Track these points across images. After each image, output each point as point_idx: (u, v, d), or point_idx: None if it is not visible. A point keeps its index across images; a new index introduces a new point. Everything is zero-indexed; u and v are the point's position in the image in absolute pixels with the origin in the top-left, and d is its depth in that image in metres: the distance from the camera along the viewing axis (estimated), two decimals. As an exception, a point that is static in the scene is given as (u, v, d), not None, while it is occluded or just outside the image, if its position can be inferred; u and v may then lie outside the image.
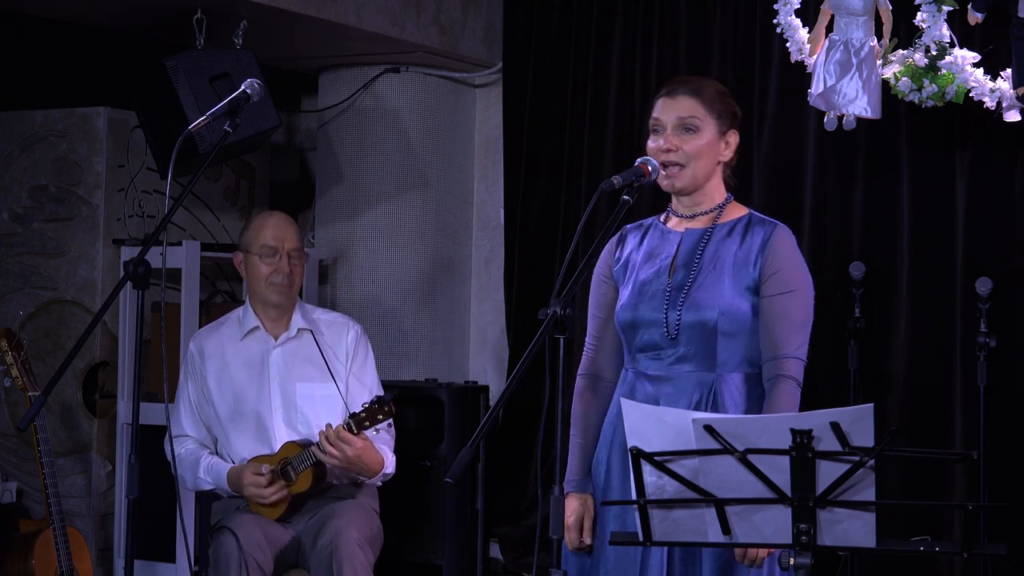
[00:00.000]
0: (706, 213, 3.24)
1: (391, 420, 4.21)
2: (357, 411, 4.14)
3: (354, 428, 4.10)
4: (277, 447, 4.29)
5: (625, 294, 3.23)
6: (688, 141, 3.17)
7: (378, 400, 4.13)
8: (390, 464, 4.33)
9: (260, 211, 4.65)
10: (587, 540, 3.20)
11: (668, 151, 3.16)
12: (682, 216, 3.26)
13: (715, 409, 3.09)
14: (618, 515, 3.15)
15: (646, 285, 3.20)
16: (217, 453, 4.41)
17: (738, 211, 3.26)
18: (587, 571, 3.21)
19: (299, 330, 4.42)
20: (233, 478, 4.26)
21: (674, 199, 3.27)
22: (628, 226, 3.34)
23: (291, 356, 4.40)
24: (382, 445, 4.29)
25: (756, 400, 3.13)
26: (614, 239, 3.33)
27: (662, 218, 3.31)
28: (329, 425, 4.12)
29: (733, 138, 3.24)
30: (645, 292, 3.19)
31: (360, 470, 4.21)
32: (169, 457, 4.00)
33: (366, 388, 4.41)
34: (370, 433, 4.18)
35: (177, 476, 4.44)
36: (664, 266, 3.21)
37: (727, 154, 3.24)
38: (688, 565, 3.08)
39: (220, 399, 4.38)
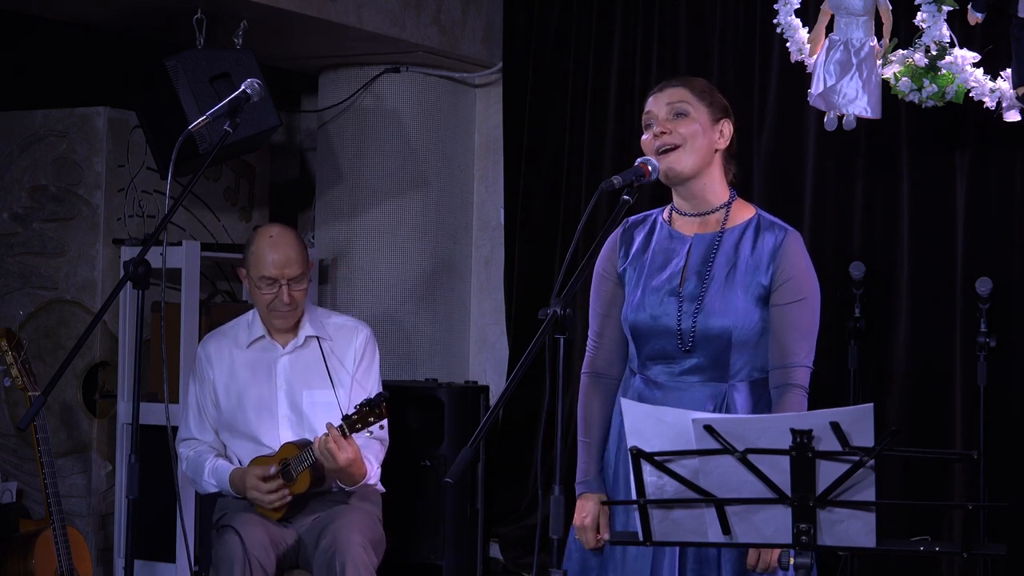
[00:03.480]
0: (712, 212, 3.20)
1: (384, 422, 4.14)
2: (350, 413, 4.09)
3: (347, 431, 4.07)
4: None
5: (635, 297, 3.20)
6: (682, 124, 3.15)
7: (368, 402, 4.07)
8: (373, 476, 4.29)
9: (261, 227, 4.47)
10: (605, 537, 3.18)
11: (662, 134, 3.14)
12: (687, 215, 3.22)
13: None
14: (623, 517, 3.14)
15: (657, 292, 3.17)
16: (225, 456, 4.40)
17: (746, 211, 3.22)
18: (590, 570, 3.21)
19: (307, 338, 4.37)
20: (236, 480, 4.24)
21: (676, 195, 3.24)
22: (630, 219, 3.29)
23: (298, 364, 4.36)
24: (369, 455, 4.26)
25: (764, 405, 3.13)
26: (616, 234, 3.28)
27: (666, 216, 3.27)
28: (330, 424, 4.11)
29: (727, 127, 3.20)
30: (657, 300, 3.16)
31: (344, 477, 4.19)
32: (175, 454, 3.95)
33: (366, 393, 4.35)
34: (362, 442, 4.15)
35: (185, 476, 4.44)
36: (675, 273, 3.17)
37: (722, 142, 3.20)
38: (703, 571, 3.08)
39: (227, 405, 4.36)
